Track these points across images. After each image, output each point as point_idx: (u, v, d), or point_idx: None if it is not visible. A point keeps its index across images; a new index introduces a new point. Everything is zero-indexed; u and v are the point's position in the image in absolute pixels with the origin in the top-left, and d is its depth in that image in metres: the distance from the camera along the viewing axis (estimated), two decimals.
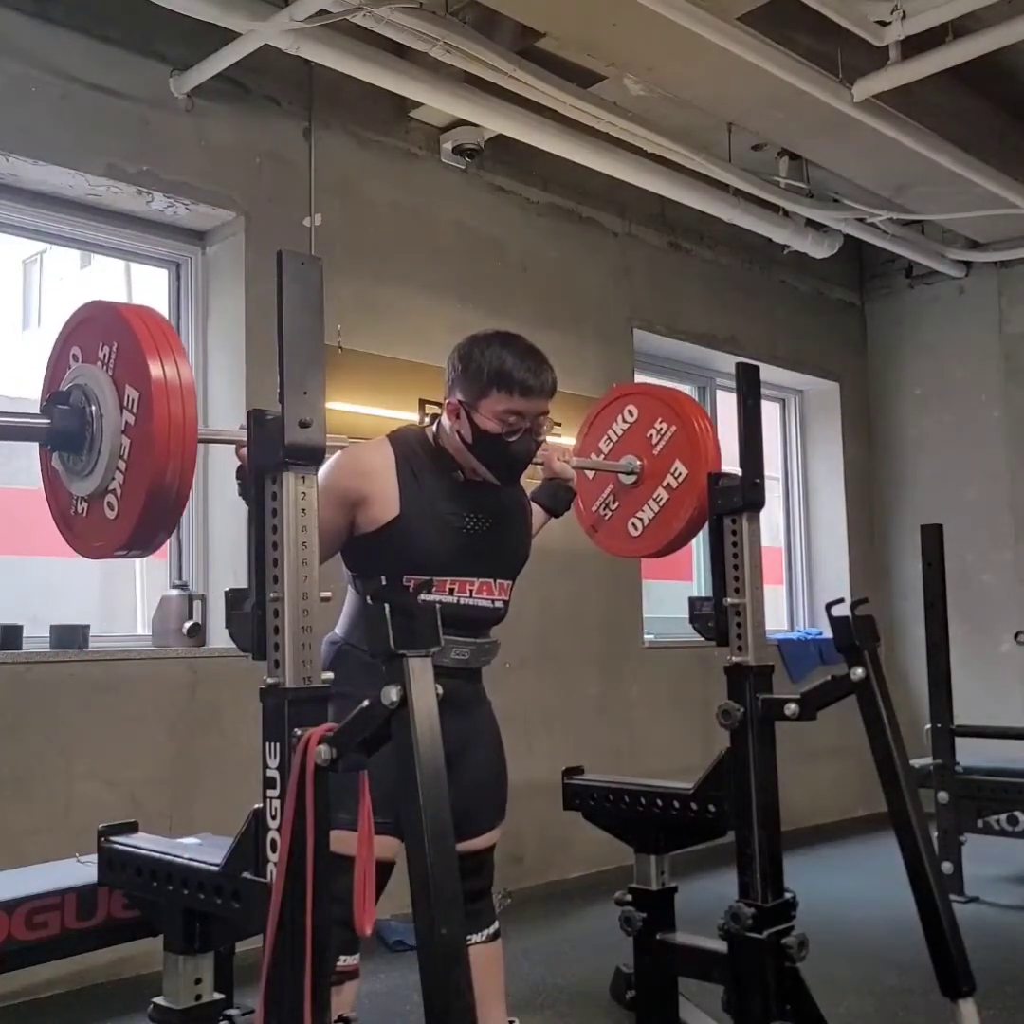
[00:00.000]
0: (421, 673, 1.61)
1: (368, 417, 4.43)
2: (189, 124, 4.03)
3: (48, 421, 1.78)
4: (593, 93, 4.42)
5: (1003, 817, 4.38)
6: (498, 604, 2.35)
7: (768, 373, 5.01)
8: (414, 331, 4.59)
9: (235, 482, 1.83)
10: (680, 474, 2.76)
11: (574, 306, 5.27)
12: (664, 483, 2.80)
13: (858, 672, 2.42)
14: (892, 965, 3.57)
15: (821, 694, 2.45)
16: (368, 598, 1.68)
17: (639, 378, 5.64)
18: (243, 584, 1.73)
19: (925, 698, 4.54)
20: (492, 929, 2.44)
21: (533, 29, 3.99)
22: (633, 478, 2.86)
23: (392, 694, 1.59)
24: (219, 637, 3.95)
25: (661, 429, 2.82)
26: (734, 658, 2.53)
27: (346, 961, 2.17)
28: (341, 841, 1.73)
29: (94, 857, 2.06)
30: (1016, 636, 5.26)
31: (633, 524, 2.87)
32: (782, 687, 2.55)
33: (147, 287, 4.43)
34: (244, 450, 1.80)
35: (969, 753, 4.56)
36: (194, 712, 3.87)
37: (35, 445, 1.87)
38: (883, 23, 4.04)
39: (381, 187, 4.60)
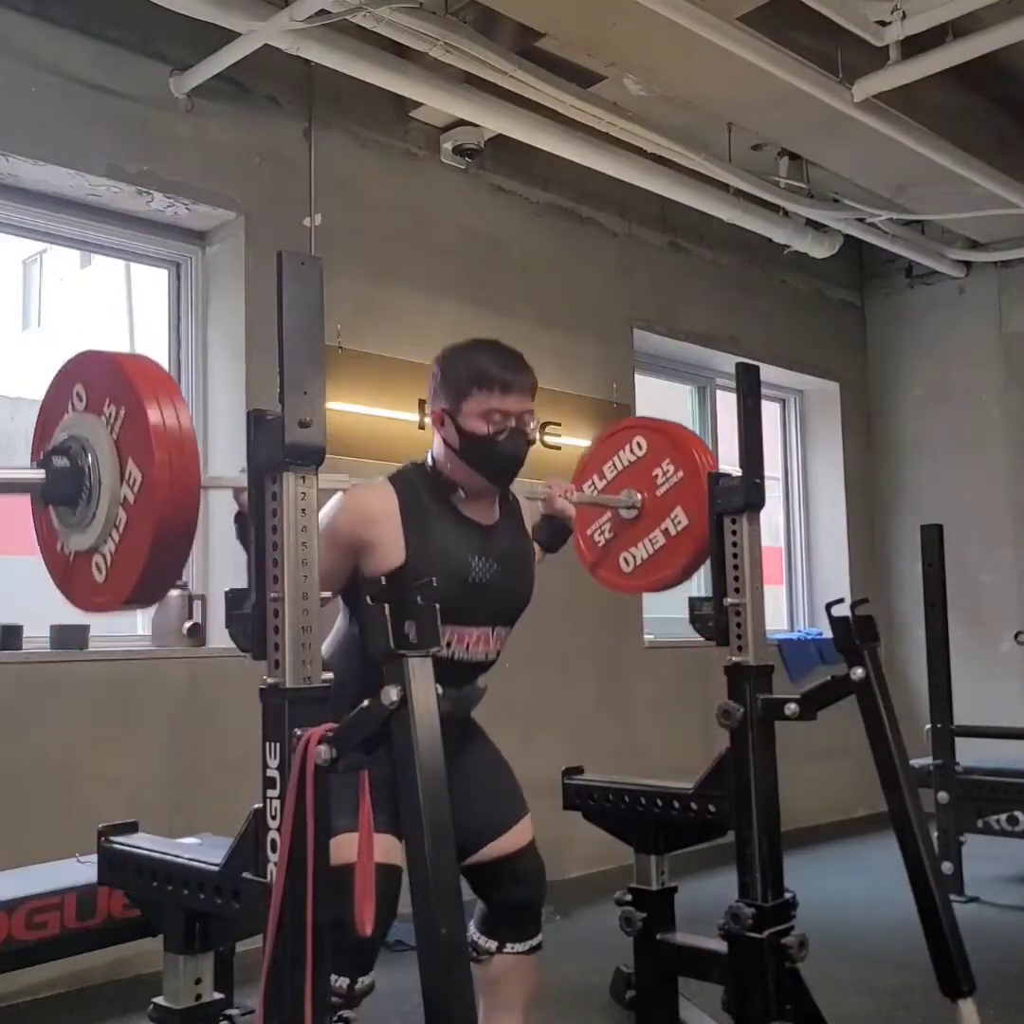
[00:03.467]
0: (421, 673, 1.61)
1: (368, 417, 4.43)
2: (189, 124, 4.03)
3: (43, 474, 1.71)
4: (593, 93, 4.42)
5: (1003, 817, 4.38)
6: (492, 655, 2.35)
7: (768, 373, 5.01)
8: (414, 331, 4.59)
9: (233, 526, 1.83)
10: (680, 522, 2.69)
11: (574, 306, 5.27)
12: (662, 527, 2.73)
13: (858, 672, 2.41)
14: (892, 965, 3.57)
15: (821, 694, 2.45)
16: (368, 598, 1.67)
17: (639, 378, 5.64)
18: (243, 584, 1.73)
19: (925, 698, 4.54)
20: (534, 941, 2.36)
21: (533, 29, 3.99)
22: (633, 512, 2.80)
23: (392, 694, 1.59)
24: (219, 637, 3.94)
25: (667, 471, 2.74)
26: (734, 658, 2.53)
27: (363, 983, 2.14)
28: (341, 848, 1.67)
29: (94, 857, 2.05)
30: (1016, 636, 5.24)
31: (625, 559, 2.82)
32: (782, 687, 2.55)
33: (147, 287, 4.43)
34: (243, 495, 1.77)
35: (969, 753, 4.56)
36: (194, 712, 3.87)
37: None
38: (883, 23, 4.04)
39: (381, 187, 4.60)
